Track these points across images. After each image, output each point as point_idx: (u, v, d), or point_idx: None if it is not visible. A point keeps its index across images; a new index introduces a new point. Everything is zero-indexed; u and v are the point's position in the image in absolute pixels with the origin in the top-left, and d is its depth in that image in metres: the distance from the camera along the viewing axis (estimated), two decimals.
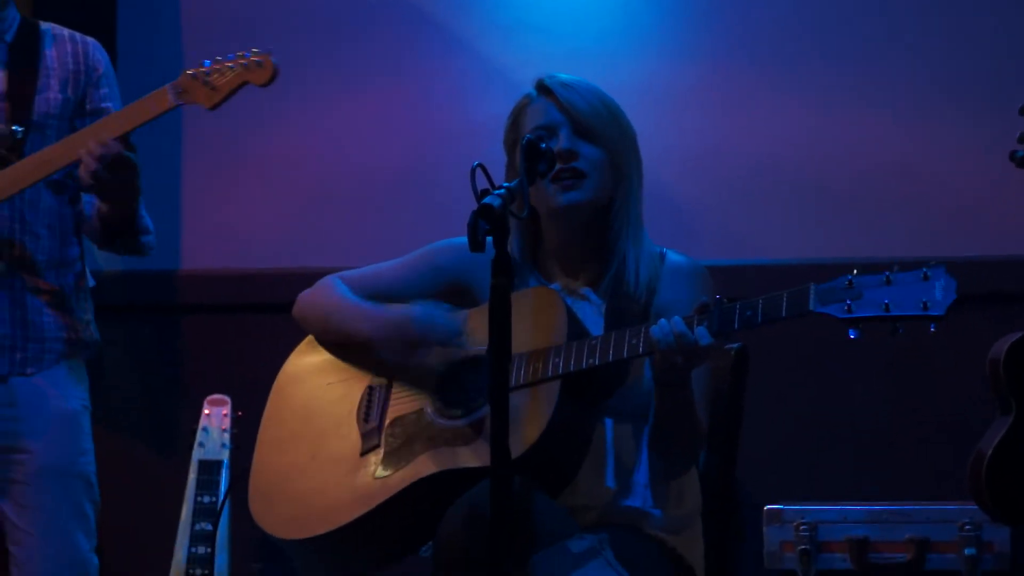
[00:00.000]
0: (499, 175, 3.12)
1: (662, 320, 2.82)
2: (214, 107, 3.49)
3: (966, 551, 4.05)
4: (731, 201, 4.66)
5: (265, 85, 3.46)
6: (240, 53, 3.46)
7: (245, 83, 3.47)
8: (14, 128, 3.59)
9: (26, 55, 3.68)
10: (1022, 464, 3.55)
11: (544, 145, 2.87)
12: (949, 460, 3.94)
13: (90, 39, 3.79)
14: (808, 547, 4.11)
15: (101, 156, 3.43)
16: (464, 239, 3.08)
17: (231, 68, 3.45)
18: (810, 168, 4.62)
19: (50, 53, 3.72)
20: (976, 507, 3.68)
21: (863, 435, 4.50)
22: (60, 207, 3.71)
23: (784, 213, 4.63)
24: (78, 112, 3.71)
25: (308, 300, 3.29)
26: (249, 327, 4.71)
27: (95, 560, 3.73)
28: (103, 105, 3.74)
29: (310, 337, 3.32)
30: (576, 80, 3.16)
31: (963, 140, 4.54)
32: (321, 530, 3.02)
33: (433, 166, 4.73)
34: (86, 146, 3.45)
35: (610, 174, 3.12)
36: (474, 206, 2.66)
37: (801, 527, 4.13)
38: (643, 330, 2.87)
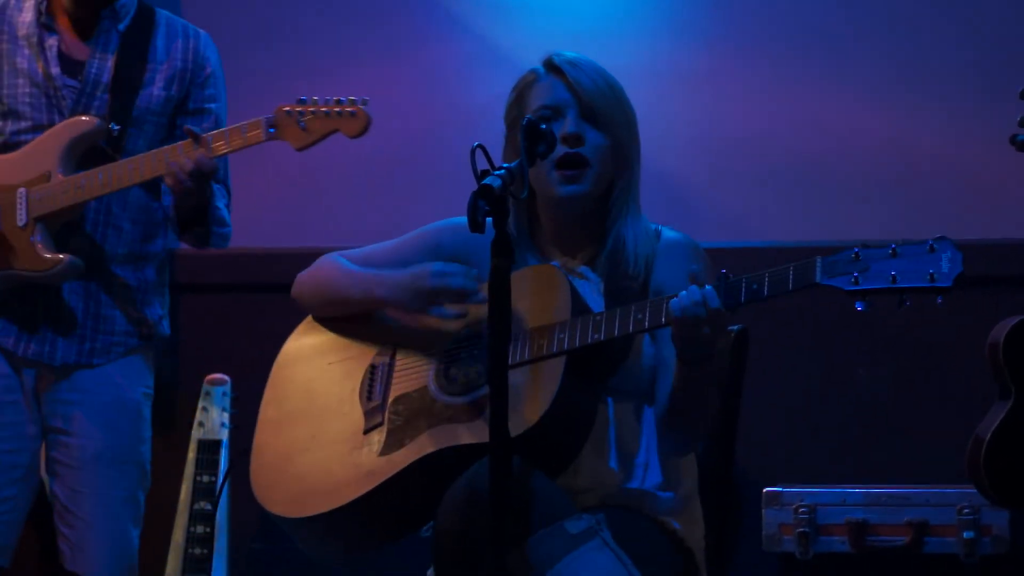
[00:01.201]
0: (500, 155, 3.12)
1: (682, 293, 2.81)
2: (302, 149, 3.48)
3: (965, 534, 4.06)
4: (733, 183, 4.66)
5: (356, 137, 3.45)
6: (336, 99, 3.44)
7: (335, 131, 3.46)
8: (112, 126, 3.60)
9: (137, 45, 3.69)
10: (1021, 447, 3.56)
11: (544, 126, 2.86)
12: (948, 443, 3.94)
13: (203, 33, 3.79)
14: (807, 529, 4.12)
15: (192, 172, 3.48)
16: (462, 219, 3.08)
17: (325, 114, 3.44)
18: (812, 150, 4.62)
19: (160, 46, 3.72)
20: (975, 490, 3.69)
21: (862, 418, 4.49)
22: (148, 201, 3.73)
23: (786, 195, 4.63)
24: (180, 110, 3.72)
25: (309, 277, 3.29)
26: (248, 306, 4.70)
27: (137, 546, 3.77)
28: (207, 106, 3.76)
29: (308, 319, 3.32)
30: (583, 59, 3.15)
31: (964, 124, 4.54)
32: (323, 508, 3.03)
33: (434, 146, 4.73)
34: (178, 162, 3.48)
35: (612, 161, 3.11)
36: (474, 186, 2.66)
37: (800, 509, 4.13)
38: (649, 305, 2.86)
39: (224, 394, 4.44)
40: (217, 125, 3.71)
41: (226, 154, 3.53)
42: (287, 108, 3.47)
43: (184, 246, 4.74)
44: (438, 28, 4.79)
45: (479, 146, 2.71)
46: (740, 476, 3.70)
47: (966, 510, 4.06)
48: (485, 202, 2.64)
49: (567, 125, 3.07)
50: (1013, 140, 3.67)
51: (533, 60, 3.20)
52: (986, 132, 4.38)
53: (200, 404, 4.44)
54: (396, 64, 4.81)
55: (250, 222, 4.82)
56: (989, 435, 3.56)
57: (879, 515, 4.13)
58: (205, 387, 4.46)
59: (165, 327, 3.81)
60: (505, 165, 2.73)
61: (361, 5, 4.83)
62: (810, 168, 4.61)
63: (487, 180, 2.67)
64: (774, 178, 4.62)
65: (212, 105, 3.76)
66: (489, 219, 2.66)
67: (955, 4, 4.57)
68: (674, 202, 4.55)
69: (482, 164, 2.71)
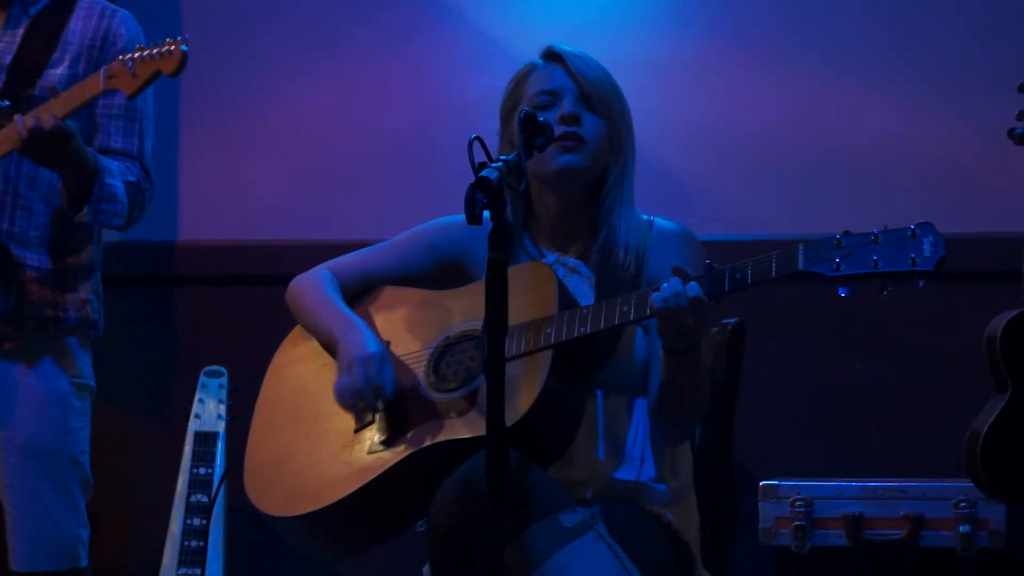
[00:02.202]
0: (497, 148, 3.12)
1: (664, 285, 2.81)
2: (132, 95, 3.45)
3: (961, 528, 4.05)
4: (730, 176, 4.65)
5: (174, 75, 3.41)
6: (167, 40, 3.42)
7: (158, 72, 3.43)
8: (2, 103, 3.57)
9: (48, 27, 3.67)
10: (1017, 441, 3.56)
11: (542, 118, 2.86)
12: (945, 437, 3.94)
13: (121, 11, 3.77)
14: (803, 523, 4.12)
15: (32, 129, 3.43)
16: (454, 217, 3.09)
17: (149, 56, 3.42)
18: (808, 145, 4.62)
19: (74, 26, 3.70)
20: (971, 484, 3.69)
21: (859, 411, 4.50)
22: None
23: (782, 189, 4.63)
24: None
25: (294, 288, 3.28)
26: (246, 299, 4.71)
27: (84, 536, 3.71)
28: None
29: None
30: (582, 52, 3.16)
31: (959, 117, 4.53)
32: (315, 506, 3.01)
33: (432, 138, 4.72)
34: (24, 122, 3.44)
35: (607, 146, 3.11)
36: (471, 179, 2.66)
37: (796, 503, 4.13)
38: (634, 297, 2.87)
39: (221, 386, 4.45)
40: (128, 101, 3.67)
41: (73, 110, 3.47)
42: (122, 57, 3.45)
43: (183, 237, 4.79)
44: (434, 20, 4.78)
45: (476, 138, 2.71)
46: (737, 470, 3.70)
47: (963, 504, 4.06)
48: (483, 194, 2.64)
49: (565, 106, 3.08)
50: (1011, 133, 3.67)
51: (530, 53, 3.21)
52: (984, 125, 4.38)
53: (197, 396, 4.45)
54: (392, 56, 4.81)
55: (246, 215, 4.83)
56: (986, 429, 3.56)
57: (875, 509, 4.13)
58: (202, 379, 4.47)
59: (92, 312, 3.74)
60: (503, 157, 2.73)
61: None
62: (810, 161, 4.61)
63: (484, 172, 2.66)
64: (774, 171, 4.62)
65: None
66: (486, 212, 2.66)
67: None
68: (674, 194, 4.55)
69: (479, 156, 2.71)
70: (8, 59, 3.66)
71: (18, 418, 3.64)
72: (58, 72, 3.66)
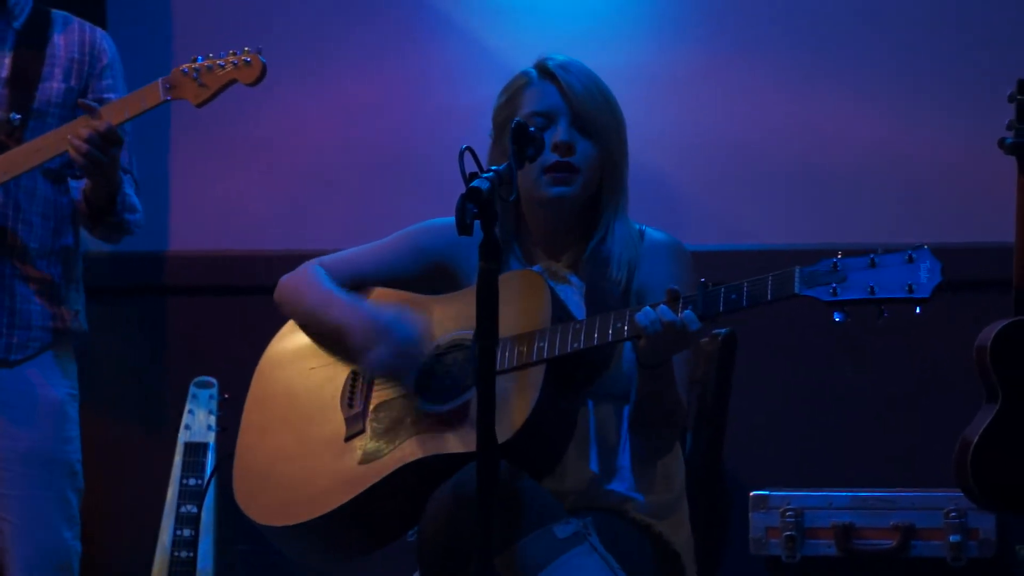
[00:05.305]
0: (488, 152, 3.12)
1: (647, 307, 2.81)
2: (201, 104, 3.49)
3: (951, 538, 4.05)
4: (720, 186, 4.66)
5: (253, 84, 3.46)
6: (231, 51, 3.45)
7: (233, 81, 3.47)
8: (12, 116, 3.60)
9: (34, 41, 3.70)
10: (1008, 451, 3.56)
11: (533, 129, 2.86)
12: (935, 447, 3.94)
13: (99, 29, 3.82)
14: (793, 533, 4.12)
15: (90, 139, 3.45)
16: (446, 220, 3.08)
17: (221, 67, 3.45)
18: (799, 154, 4.62)
19: (58, 40, 3.73)
20: (961, 494, 3.69)
21: (850, 421, 4.50)
22: (56, 196, 3.72)
23: (773, 199, 4.63)
24: None
25: (287, 286, 3.27)
26: (236, 309, 4.70)
27: (77, 547, 3.73)
28: (105, 96, 3.74)
29: (291, 322, 3.31)
30: (575, 64, 3.14)
31: (950, 127, 4.54)
32: (306, 516, 3.01)
33: (423, 148, 4.72)
34: (74, 130, 3.46)
35: (600, 167, 3.11)
36: (462, 188, 2.66)
37: (787, 513, 4.13)
38: (628, 314, 2.86)
39: (211, 397, 4.44)
40: None
41: (127, 120, 3.50)
42: (183, 67, 3.48)
43: (173, 247, 4.79)
44: (426, 29, 4.78)
45: (467, 148, 2.71)
46: (727, 479, 3.70)
47: (953, 514, 4.06)
48: (473, 205, 2.64)
49: (559, 134, 3.07)
50: (1001, 143, 3.68)
51: (523, 62, 3.20)
52: (974, 135, 4.39)
53: (187, 406, 4.44)
54: (384, 65, 4.80)
55: (236, 225, 4.82)
56: (976, 438, 3.56)
57: (866, 518, 4.12)
58: (192, 389, 4.46)
59: (82, 322, 3.78)
60: (494, 168, 2.72)
61: (348, 5, 4.83)
62: (800, 170, 4.61)
63: (475, 183, 2.66)
64: (764, 181, 4.63)
65: (111, 95, 3.74)
66: (477, 222, 2.65)
67: (946, 7, 4.58)
68: (664, 204, 4.55)
69: (470, 166, 2.71)
70: (4, 73, 3.68)
71: (18, 428, 3.65)
72: (54, 85, 3.69)
